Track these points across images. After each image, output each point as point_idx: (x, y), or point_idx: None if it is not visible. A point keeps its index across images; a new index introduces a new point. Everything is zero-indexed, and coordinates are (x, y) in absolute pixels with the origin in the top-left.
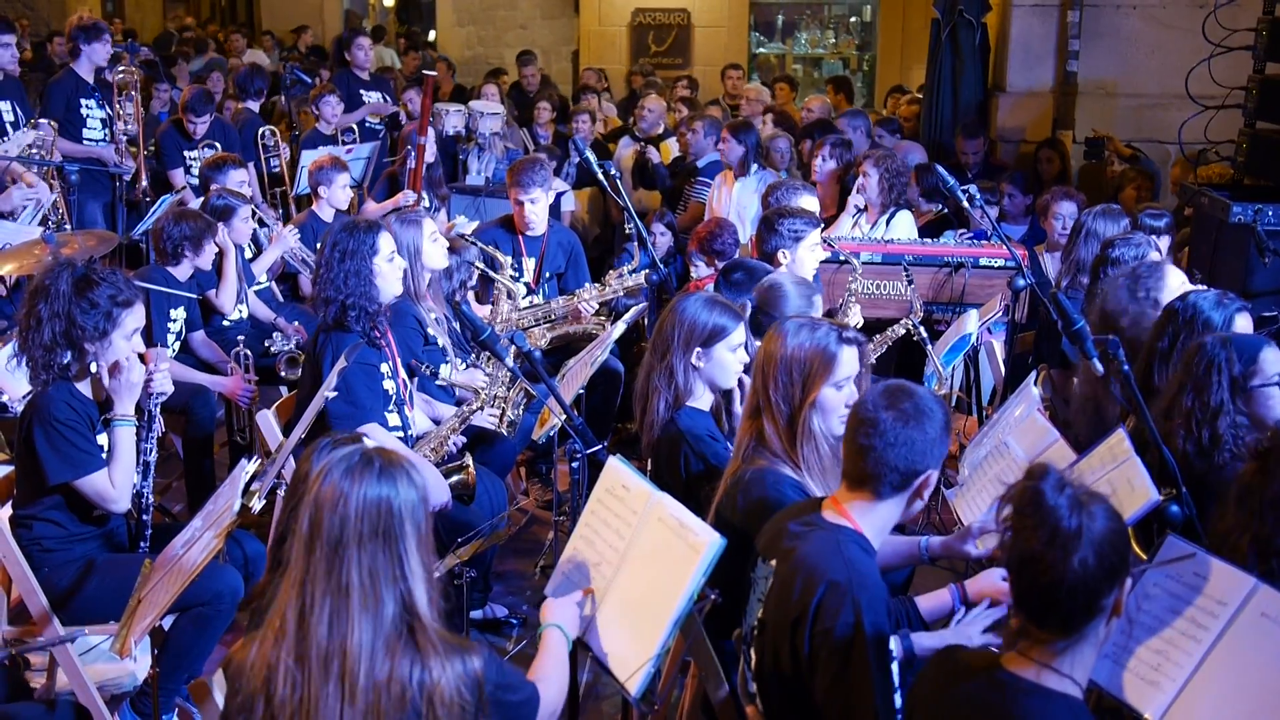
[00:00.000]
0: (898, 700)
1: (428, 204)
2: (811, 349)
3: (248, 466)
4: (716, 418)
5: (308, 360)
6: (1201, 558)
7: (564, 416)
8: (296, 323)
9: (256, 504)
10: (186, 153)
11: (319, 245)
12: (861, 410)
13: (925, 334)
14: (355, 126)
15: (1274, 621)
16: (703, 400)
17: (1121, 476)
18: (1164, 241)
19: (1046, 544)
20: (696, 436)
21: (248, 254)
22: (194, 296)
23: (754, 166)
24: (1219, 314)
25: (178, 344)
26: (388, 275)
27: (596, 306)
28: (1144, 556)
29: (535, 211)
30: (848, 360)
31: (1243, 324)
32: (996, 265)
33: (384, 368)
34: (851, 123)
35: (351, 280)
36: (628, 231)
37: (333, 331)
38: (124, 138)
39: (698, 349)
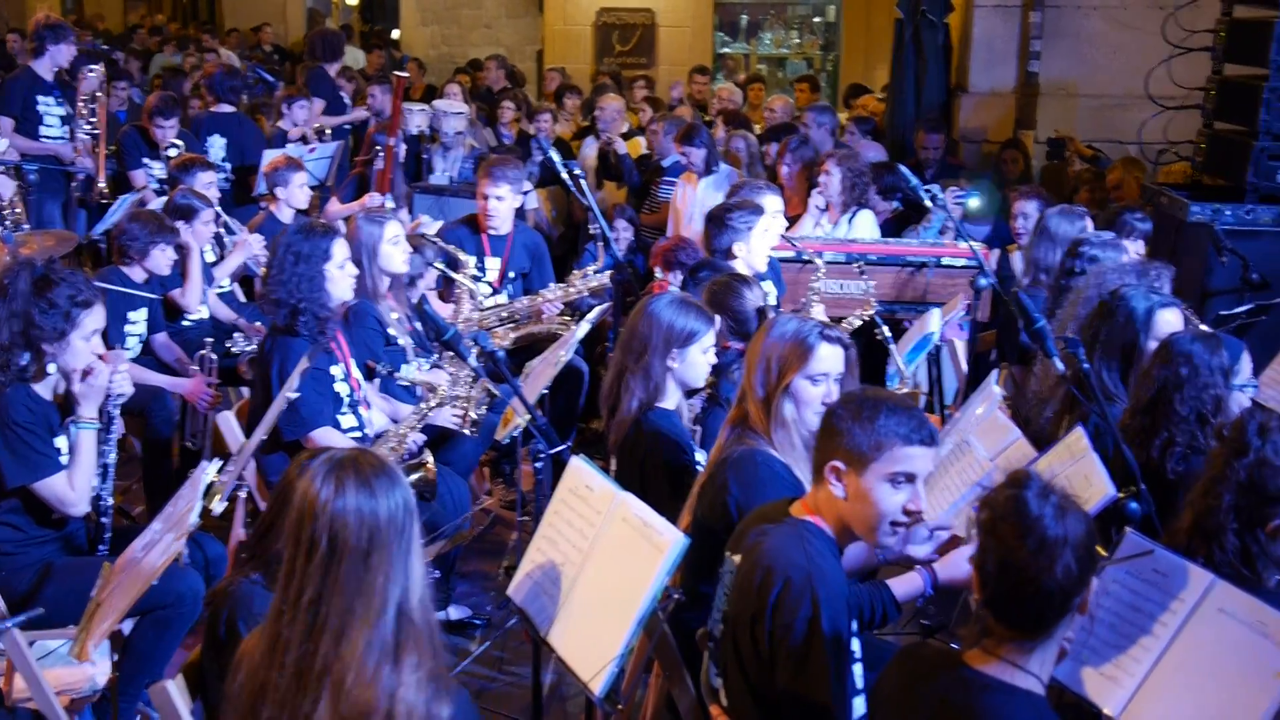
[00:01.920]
0: (860, 704)
1: (391, 205)
2: (791, 338)
3: (208, 469)
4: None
5: (256, 363)
6: (1160, 554)
7: (527, 416)
8: (259, 323)
9: (218, 506)
10: (148, 160)
11: (271, 246)
12: (831, 411)
13: (889, 333)
14: (328, 129)
15: (1230, 617)
16: (671, 401)
17: (1079, 473)
18: (1138, 245)
19: (1034, 552)
20: (669, 437)
21: (210, 257)
22: (155, 297)
23: (718, 166)
24: (1144, 304)
25: (139, 346)
26: (339, 281)
27: (560, 306)
28: (1104, 553)
29: (498, 209)
30: (826, 356)
31: (1170, 318)
32: (959, 265)
33: (335, 370)
34: (818, 118)
35: (304, 285)
36: (592, 231)
37: (280, 336)
38: (87, 138)
39: (674, 350)
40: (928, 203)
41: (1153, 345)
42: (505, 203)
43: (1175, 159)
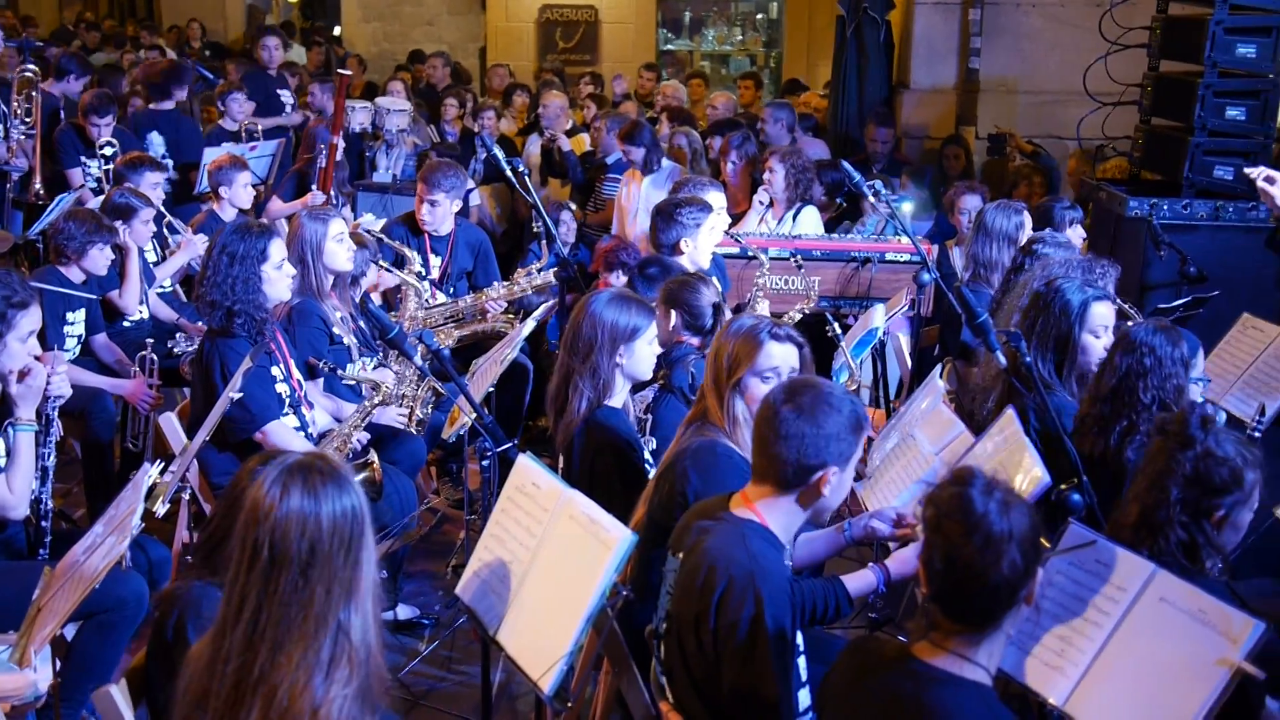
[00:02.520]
0: (805, 696)
1: (334, 202)
2: (742, 335)
3: (150, 471)
4: None
5: (195, 366)
6: (1102, 545)
7: (473, 414)
8: (200, 323)
9: (160, 508)
10: (85, 158)
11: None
12: (765, 403)
13: (839, 330)
14: (261, 128)
15: (1171, 605)
16: (618, 399)
17: (1013, 459)
18: (1077, 231)
19: (980, 549)
20: (618, 435)
21: (151, 257)
22: (93, 298)
23: (661, 163)
24: (1078, 297)
25: (79, 347)
26: (277, 282)
27: (505, 305)
28: (1047, 544)
29: (432, 213)
30: (776, 353)
31: (1105, 311)
32: (902, 260)
33: (275, 371)
34: (775, 114)
35: (239, 286)
36: (536, 229)
37: (219, 338)
38: (21, 136)
39: (621, 347)
40: (870, 199)
41: (1087, 338)
42: (440, 208)
43: (1113, 154)
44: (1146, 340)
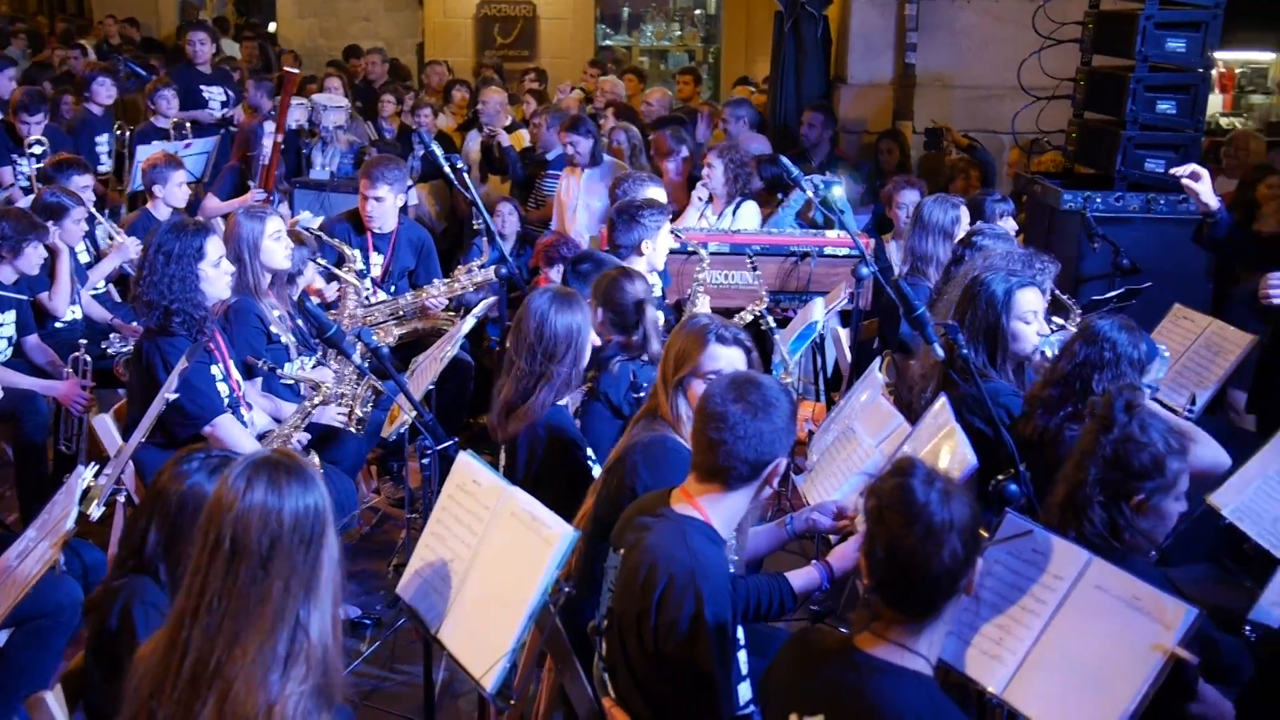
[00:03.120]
0: (746, 689)
1: (271, 200)
2: (687, 337)
3: (84, 473)
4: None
5: (134, 367)
6: (1039, 534)
7: (413, 413)
8: (135, 324)
9: (95, 511)
10: (16, 156)
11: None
12: (709, 404)
13: (773, 323)
14: (189, 124)
15: (1106, 593)
16: (564, 398)
17: (943, 444)
18: (1009, 222)
19: (922, 538)
20: (566, 434)
21: (84, 258)
22: (24, 298)
23: (602, 158)
24: (1002, 286)
25: (10, 349)
26: (215, 280)
27: (445, 302)
28: (985, 534)
29: (378, 209)
30: (721, 355)
31: (1032, 298)
32: (841, 254)
33: (214, 370)
34: (735, 112)
35: (176, 285)
36: (476, 226)
37: (157, 337)
38: None
39: (580, 342)
40: (810, 193)
41: (1015, 325)
42: (386, 203)
43: (1048, 148)
44: (1109, 335)
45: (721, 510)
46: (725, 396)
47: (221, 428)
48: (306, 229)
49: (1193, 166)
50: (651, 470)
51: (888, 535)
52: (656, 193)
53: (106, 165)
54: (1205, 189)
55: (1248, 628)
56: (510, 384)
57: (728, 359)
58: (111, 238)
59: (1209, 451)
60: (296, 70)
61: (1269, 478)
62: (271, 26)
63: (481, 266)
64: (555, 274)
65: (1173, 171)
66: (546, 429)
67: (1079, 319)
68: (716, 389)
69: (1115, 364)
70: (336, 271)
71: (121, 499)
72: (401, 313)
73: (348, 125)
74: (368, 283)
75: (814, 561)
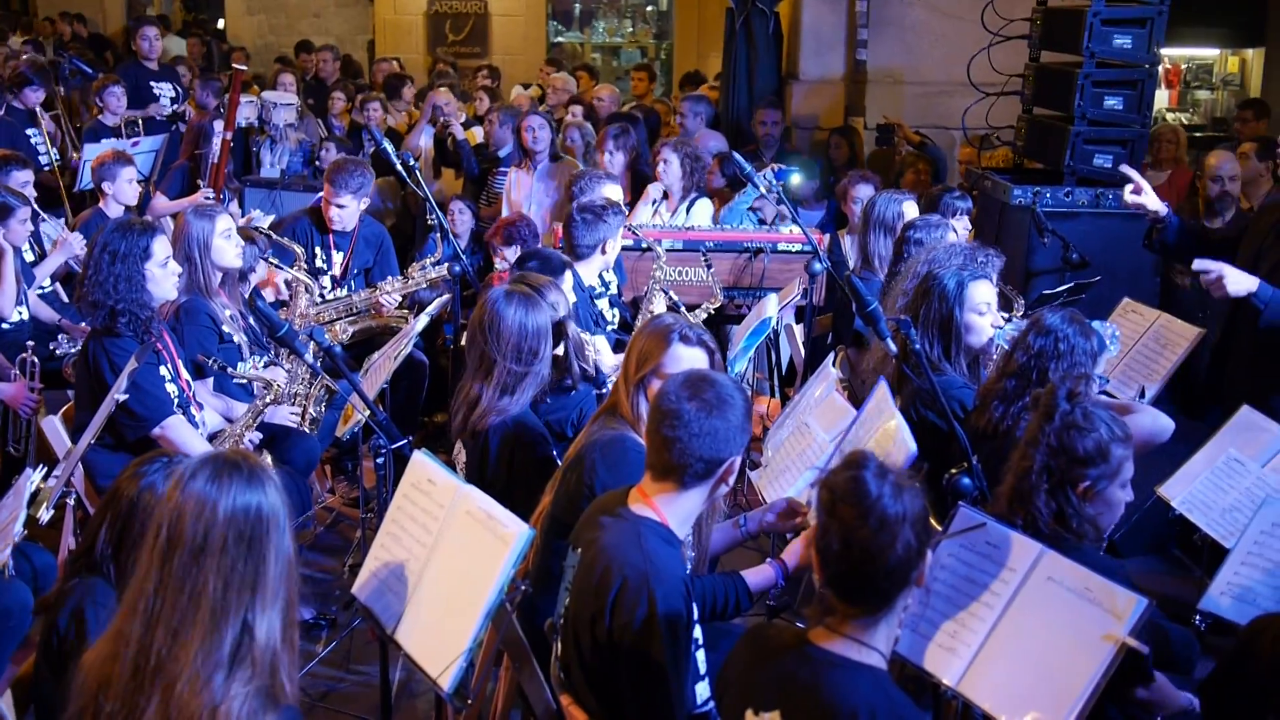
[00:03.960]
0: (703, 689)
1: (221, 198)
2: (649, 337)
3: (33, 476)
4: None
5: (80, 368)
6: (992, 527)
7: (367, 412)
8: (83, 324)
9: (44, 514)
10: None
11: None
12: (664, 402)
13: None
14: (140, 120)
15: (1059, 584)
16: (526, 397)
17: (884, 431)
18: (963, 222)
19: (875, 531)
20: (534, 430)
21: (29, 257)
22: None
23: (558, 155)
24: (954, 280)
25: None
26: (162, 280)
27: (399, 300)
28: (938, 527)
29: (341, 215)
30: (684, 356)
31: (984, 290)
32: (794, 250)
33: (163, 370)
34: (693, 108)
35: (121, 285)
36: (430, 223)
37: (103, 338)
38: None
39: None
40: (762, 189)
41: (969, 317)
42: (348, 210)
43: (998, 144)
44: (1061, 327)
45: (677, 509)
46: (679, 394)
47: (171, 429)
48: (257, 228)
49: (1131, 184)
50: (610, 469)
51: (842, 528)
52: (614, 190)
53: (46, 158)
54: (1151, 199)
55: (1197, 617)
56: (490, 385)
57: (690, 359)
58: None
59: (1147, 419)
60: (245, 67)
61: (1217, 469)
62: (220, 24)
63: (435, 264)
64: (511, 253)
65: (1127, 200)
66: (520, 425)
67: (1021, 312)
68: (670, 387)
69: (1070, 354)
70: (288, 270)
71: (71, 501)
72: (354, 310)
73: (298, 123)
74: (327, 280)
75: (769, 560)
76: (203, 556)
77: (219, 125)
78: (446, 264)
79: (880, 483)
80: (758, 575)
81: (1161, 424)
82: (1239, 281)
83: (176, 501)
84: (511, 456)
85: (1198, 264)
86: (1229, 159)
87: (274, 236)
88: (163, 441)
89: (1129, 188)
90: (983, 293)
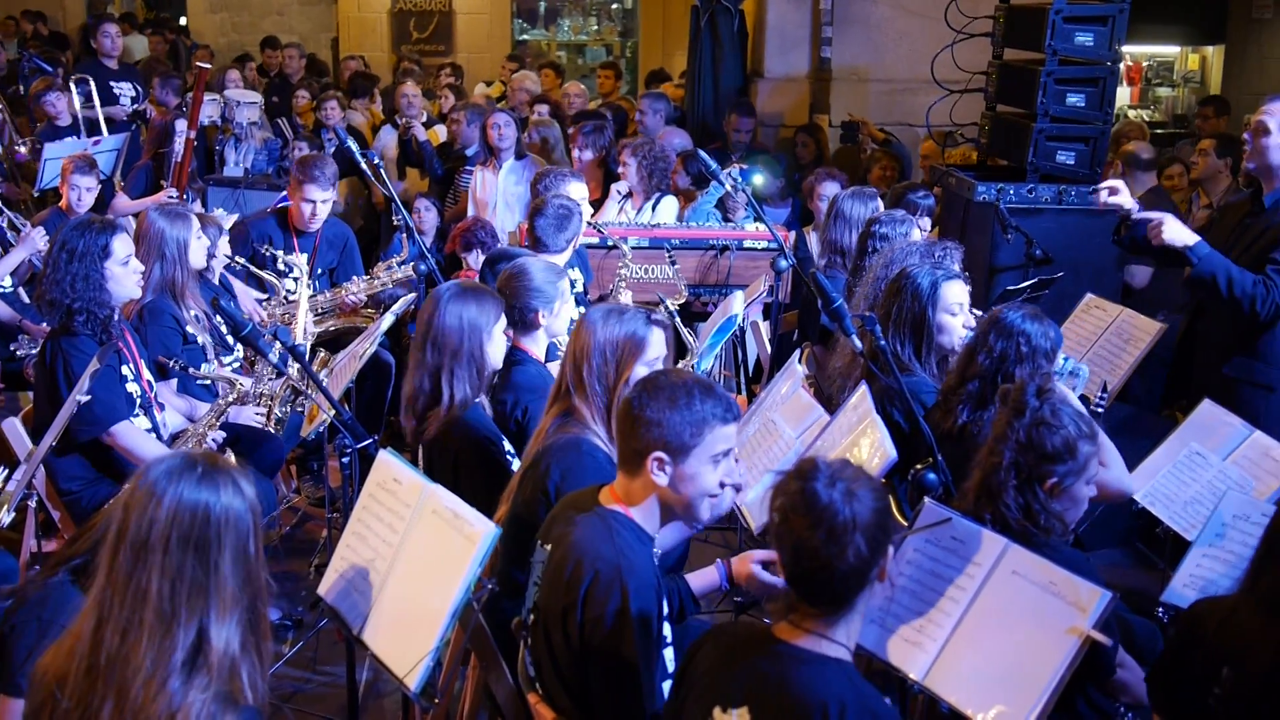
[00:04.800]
0: (670, 688)
1: (185, 197)
2: (624, 333)
3: None
4: None
5: (38, 369)
6: (957, 522)
7: (332, 411)
8: (44, 324)
9: (5, 517)
10: None
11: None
12: (629, 403)
13: (673, 310)
14: (101, 119)
15: (1023, 578)
16: (479, 394)
17: (864, 436)
18: (924, 220)
19: (824, 541)
20: (483, 430)
21: None
22: None
23: (524, 153)
24: (928, 279)
25: None
26: (122, 279)
27: (365, 299)
28: (904, 523)
29: (319, 211)
30: (656, 341)
31: (957, 290)
32: (760, 247)
33: (125, 370)
34: (652, 105)
35: (79, 284)
36: (395, 223)
37: (61, 338)
38: None
39: (484, 336)
40: (728, 186)
41: (943, 317)
42: (327, 205)
43: (961, 141)
44: (1022, 327)
45: (641, 507)
46: (643, 393)
47: (121, 435)
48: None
49: (1109, 183)
50: (565, 474)
51: (793, 537)
52: (578, 188)
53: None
54: (1125, 198)
55: (1160, 609)
56: (411, 379)
57: (662, 342)
58: (17, 229)
59: (1116, 474)
60: (208, 65)
61: (1179, 463)
62: (182, 21)
63: (401, 263)
64: (474, 259)
65: (1102, 203)
66: (462, 427)
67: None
68: (634, 388)
69: (1032, 357)
70: (252, 269)
71: (32, 504)
72: (320, 310)
73: (261, 121)
74: (291, 282)
75: (716, 562)
76: (145, 553)
77: (181, 124)
78: (412, 263)
79: (830, 490)
80: (702, 578)
81: (1125, 486)
82: (1177, 232)
83: (127, 495)
84: (456, 459)
85: (1139, 214)
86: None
87: (242, 264)
88: (114, 446)
89: (1104, 190)
90: (956, 293)
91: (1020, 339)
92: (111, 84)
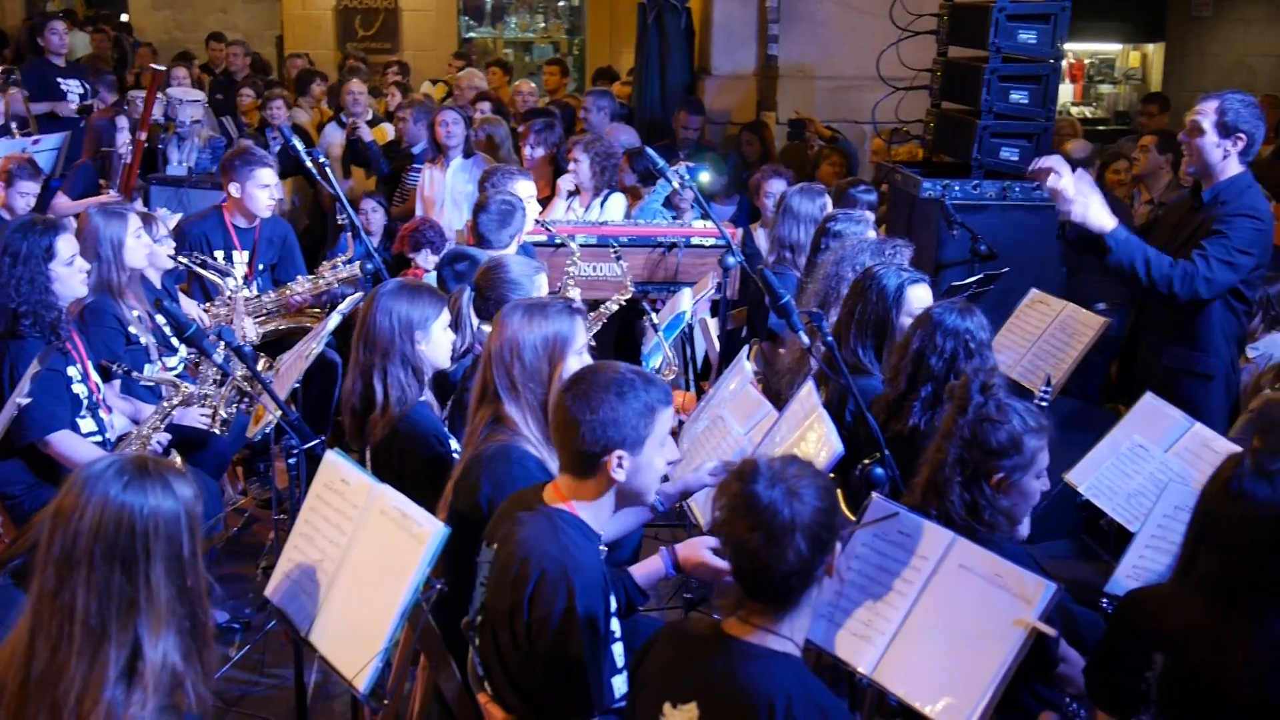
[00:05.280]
0: (620, 683)
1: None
2: (552, 328)
3: None
4: None
5: None
6: (905, 516)
7: (279, 412)
8: None
9: None
10: None
11: None
12: (565, 400)
13: (654, 319)
14: (32, 117)
15: (970, 571)
16: (424, 392)
17: (811, 432)
18: (868, 214)
19: (764, 543)
20: (427, 430)
21: None
22: None
23: (473, 150)
24: (894, 281)
25: None
26: (68, 280)
27: (310, 299)
28: (852, 517)
29: (275, 197)
30: (581, 330)
31: (922, 293)
32: (708, 244)
33: (71, 371)
34: (597, 102)
35: (24, 287)
36: (341, 222)
37: (7, 340)
38: None
39: (417, 334)
40: (676, 184)
41: (905, 320)
42: (279, 189)
43: (908, 138)
44: (961, 325)
45: (586, 504)
46: (587, 393)
47: (58, 444)
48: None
49: (1046, 162)
50: (496, 487)
51: (734, 538)
52: (525, 186)
53: None
54: (1067, 184)
55: (1104, 600)
56: (348, 378)
57: (583, 328)
58: None
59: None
60: (162, 68)
61: (1121, 456)
62: (124, 18)
63: (347, 262)
64: (423, 259)
65: (1046, 188)
66: (406, 426)
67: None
68: (569, 385)
69: (980, 350)
70: (201, 271)
71: None
72: (265, 310)
73: (205, 120)
74: (231, 281)
75: (660, 550)
76: (70, 569)
77: (122, 121)
78: (359, 262)
79: (770, 492)
80: (646, 568)
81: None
82: (1096, 214)
83: (57, 503)
84: (401, 460)
85: (1034, 165)
86: None
87: (192, 267)
88: (51, 454)
89: (1046, 172)
90: (920, 296)
91: (965, 336)
92: (59, 81)
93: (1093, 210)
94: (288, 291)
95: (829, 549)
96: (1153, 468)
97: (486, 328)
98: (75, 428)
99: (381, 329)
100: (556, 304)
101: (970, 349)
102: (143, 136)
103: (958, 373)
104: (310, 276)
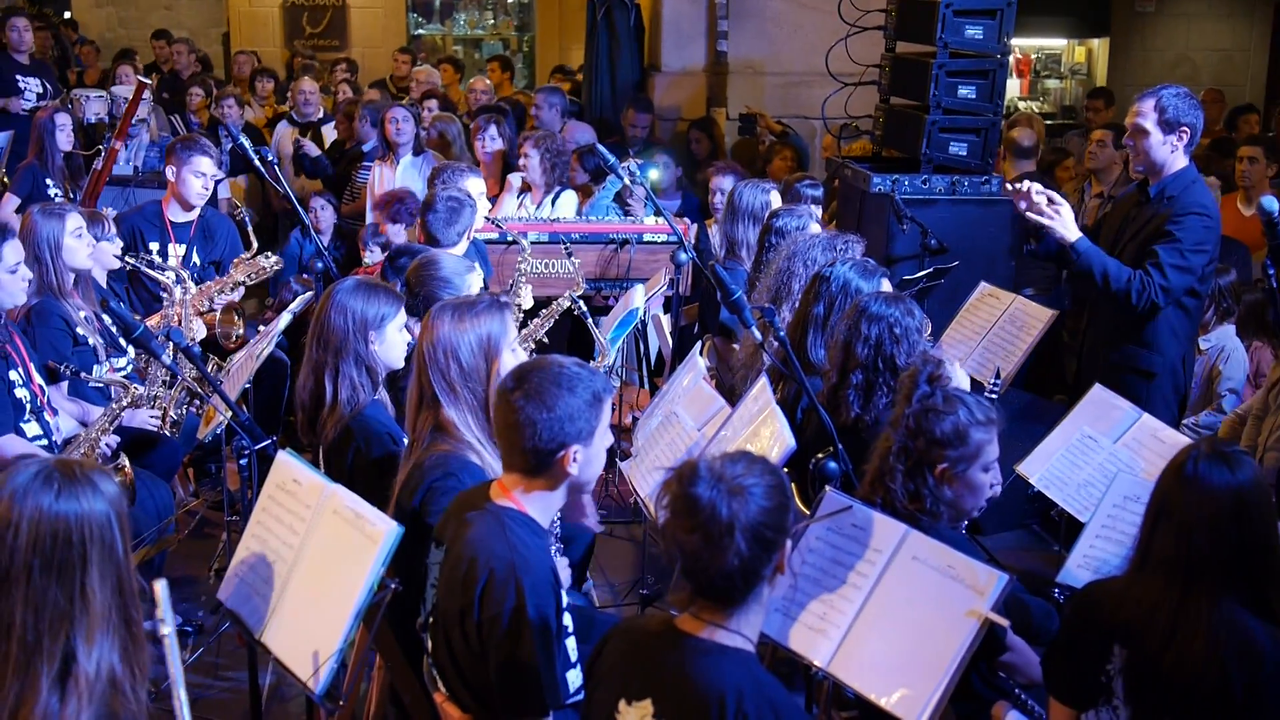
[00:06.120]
0: (574, 677)
1: (68, 195)
2: (484, 323)
3: None
4: None
5: None
6: (858, 509)
7: (229, 413)
8: None
9: None
10: None
11: None
12: (498, 395)
13: (585, 309)
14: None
15: (923, 563)
16: (377, 390)
17: (764, 427)
18: (815, 209)
19: (702, 544)
20: (380, 429)
21: None
22: None
23: (422, 148)
24: (867, 282)
25: None
26: (8, 286)
27: (225, 297)
28: (806, 511)
29: (209, 185)
30: (511, 323)
31: (888, 289)
32: (660, 240)
33: (14, 375)
34: (548, 99)
35: None
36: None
37: None
38: None
39: (372, 333)
40: (626, 180)
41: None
42: (215, 180)
43: (857, 133)
44: (887, 312)
45: (534, 501)
46: (509, 384)
47: (5, 447)
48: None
49: (1033, 188)
50: (435, 500)
51: (674, 538)
52: (475, 183)
53: None
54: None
55: (1056, 590)
56: (301, 375)
57: (513, 320)
58: None
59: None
60: (149, 80)
61: (1072, 446)
62: (67, 15)
63: (250, 259)
64: (396, 231)
65: (1029, 217)
66: (359, 425)
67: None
68: (514, 384)
69: (906, 336)
70: (150, 272)
71: None
72: (198, 310)
73: (150, 118)
74: (173, 282)
75: None
76: (8, 586)
77: (61, 119)
78: (275, 259)
79: (710, 492)
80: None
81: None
82: (1064, 225)
83: None
84: (353, 459)
85: (1012, 186)
86: None
87: (148, 272)
88: None
89: (1034, 191)
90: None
91: (890, 320)
92: (18, 78)
93: (1063, 221)
94: (201, 294)
95: (776, 547)
96: (1102, 458)
97: (415, 326)
98: (21, 433)
99: (336, 326)
100: (484, 300)
101: (895, 334)
102: (116, 144)
103: (885, 359)
104: (217, 278)
